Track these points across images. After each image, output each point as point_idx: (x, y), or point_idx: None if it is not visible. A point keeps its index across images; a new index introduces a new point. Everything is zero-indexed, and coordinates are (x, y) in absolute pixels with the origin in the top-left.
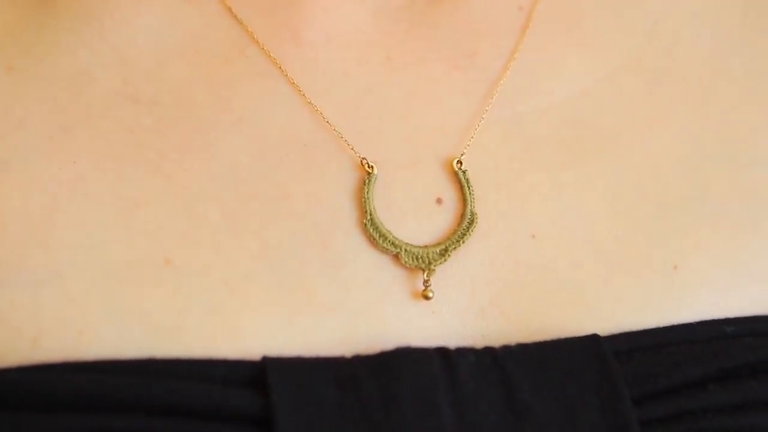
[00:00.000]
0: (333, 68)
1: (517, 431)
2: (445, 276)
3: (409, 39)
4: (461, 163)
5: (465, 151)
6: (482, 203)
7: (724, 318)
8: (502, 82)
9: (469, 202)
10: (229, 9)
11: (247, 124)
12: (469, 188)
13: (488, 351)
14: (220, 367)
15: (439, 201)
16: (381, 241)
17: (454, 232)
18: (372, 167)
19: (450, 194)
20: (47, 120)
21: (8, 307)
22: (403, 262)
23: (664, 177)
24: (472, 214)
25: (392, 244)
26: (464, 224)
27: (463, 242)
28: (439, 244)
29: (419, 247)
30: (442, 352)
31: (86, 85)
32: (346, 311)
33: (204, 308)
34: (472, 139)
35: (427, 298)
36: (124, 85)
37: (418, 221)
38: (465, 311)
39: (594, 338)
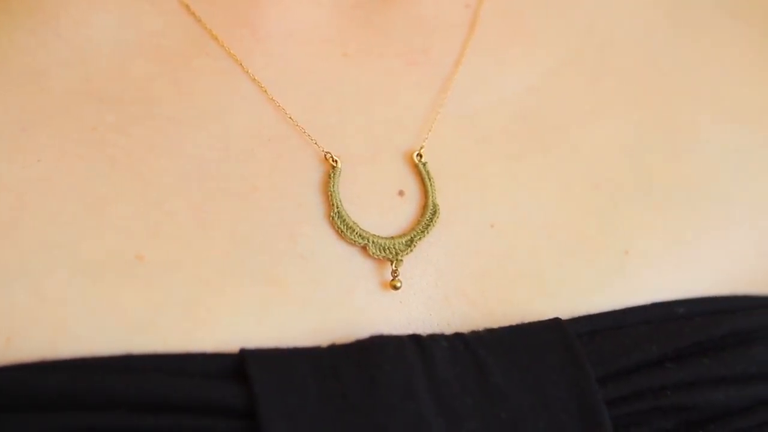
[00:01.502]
0: (292, 64)
1: (492, 414)
2: (410, 266)
3: (363, 35)
4: (421, 156)
5: (424, 144)
6: (442, 194)
7: (675, 300)
8: (455, 77)
9: (430, 193)
10: (187, 6)
11: (211, 120)
12: (429, 180)
13: (459, 337)
14: (199, 361)
15: (401, 193)
16: (348, 234)
17: (418, 222)
18: (336, 161)
19: (411, 186)
20: (7, 120)
21: None
22: (371, 253)
23: (610, 166)
24: (434, 205)
25: (359, 236)
26: (427, 215)
27: (428, 233)
28: (404, 235)
29: (386, 238)
30: (415, 340)
31: (46, 84)
32: (317, 303)
33: (178, 303)
34: (430, 132)
35: (395, 288)
36: (85, 83)
37: (382, 213)
38: (431, 300)
39: (557, 322)
